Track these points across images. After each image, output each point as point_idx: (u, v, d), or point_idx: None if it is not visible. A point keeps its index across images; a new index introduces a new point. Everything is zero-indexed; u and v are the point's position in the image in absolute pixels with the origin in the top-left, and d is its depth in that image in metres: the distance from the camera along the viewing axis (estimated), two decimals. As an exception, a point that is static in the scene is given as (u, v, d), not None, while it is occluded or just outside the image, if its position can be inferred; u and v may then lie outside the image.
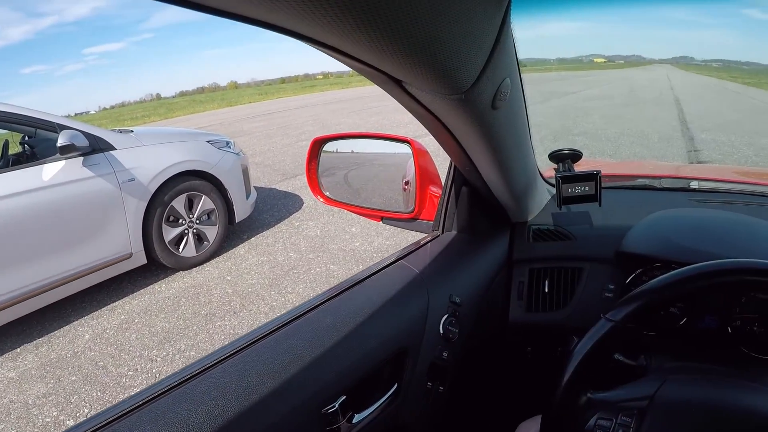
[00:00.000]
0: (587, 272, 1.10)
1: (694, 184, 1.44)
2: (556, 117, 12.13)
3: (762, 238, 1.05)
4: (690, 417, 0.66)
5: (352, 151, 1.42)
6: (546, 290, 1.11)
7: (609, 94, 20.48)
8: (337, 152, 1.39)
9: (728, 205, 1.29)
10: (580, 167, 1.09)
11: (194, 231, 4.18)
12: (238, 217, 4.47)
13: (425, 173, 1.13)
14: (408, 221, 1.16)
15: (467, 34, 0.49)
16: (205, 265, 4.20)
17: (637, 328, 1.03)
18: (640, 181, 1.49)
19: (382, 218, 1.20)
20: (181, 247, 4.08)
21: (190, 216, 4.13)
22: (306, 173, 1.30)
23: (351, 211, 1.27)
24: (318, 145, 1.29)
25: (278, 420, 0.67)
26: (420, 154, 1.13)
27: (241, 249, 4.51)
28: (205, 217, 4.24)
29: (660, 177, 1.52)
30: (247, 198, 4.60)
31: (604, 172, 1.59)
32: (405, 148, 1.15)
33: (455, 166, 1.03)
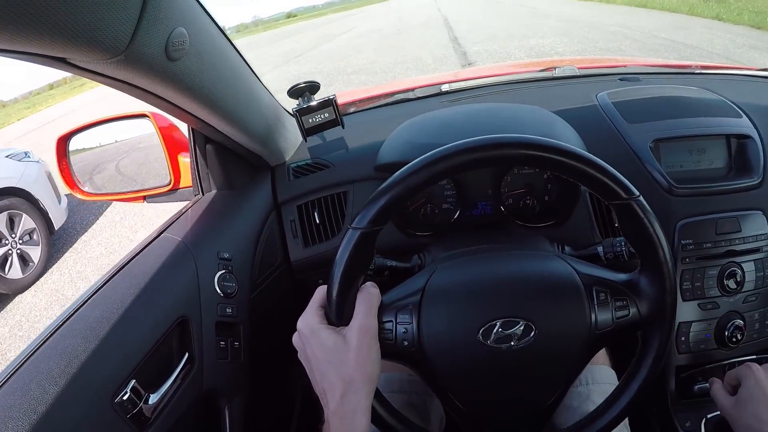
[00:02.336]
0: (352, 193, 1.13)
1: (445, 87, 1.50)
2: (328, 61, 12.11)
3: (504, 118, 1.12)
4: (461, 295, 0.69)
5: (116, 141, 1.34)
6: (317, 221, 1.13)
7: (379, 26, 21.13)
8: (101, 146, 1.31)
9: (478, 99, 1.35)
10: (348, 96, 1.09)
11: (18, 251, 4.00)
12: (57, 223, 4.38)
13: (171, 142, 1.11)
14: (169, 193, 1.14)
15: None
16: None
17: (409, 233, 1.08)
18: (396, 97, 1.52)
19: (145, 198, 1.17)
20: (6, 268, 3.87)
21: (12, 236, 3.97)
22: (59, 173, 1.21)
23: (114, 200, 1.22)
24: (63, 142, 1.21)
25: (73, 424, 0.64)
26: (162, 125, 1.11)
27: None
28: (27, 237, 4.11)
29: (415, 88, 1.57)
30: (60, 203, 4.47)
31: (365, 95, 1.68)
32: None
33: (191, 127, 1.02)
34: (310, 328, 0.65)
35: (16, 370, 0.67)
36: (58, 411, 0.63)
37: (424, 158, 0.63)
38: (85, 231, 5.06)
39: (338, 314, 0.65)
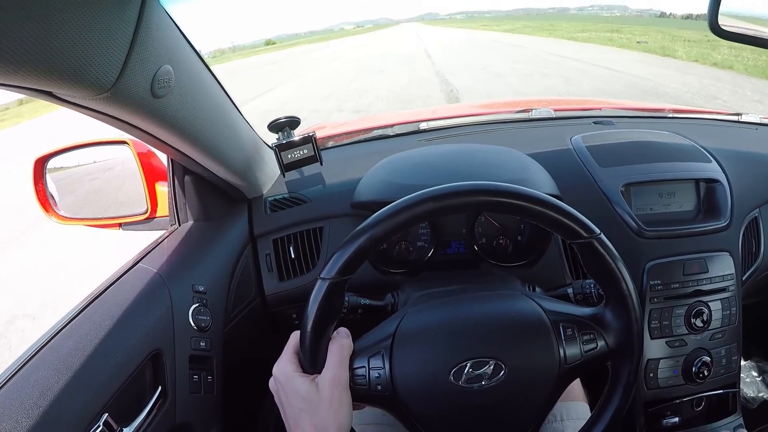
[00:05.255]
0: (328, 229, 1.13)
1: (423, 125, 1.51)
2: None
3: (479, 162, 1.14)
4: (431, 338, 0.70)
5: (95, 161, 1.33)
6: (293, 256, 1.14)
7: (326, 91, 11.82)
8: (79, 165, 1.29)
9: (455, 138, 1.37)
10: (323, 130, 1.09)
11: None
12: None
13: (150, 170, 1.11)
14: (145, 222, 1.14)
15: (86, 34, 0.50)
16: None
17: (383, 270, 1.09)
18: (375, 133, 1.53)
19: (121, 225, 1.16)
20: None
21: None
22: (36, 195, 1.19)
23: (89, 226, 1.20)
24: (41, 164, 1.20)
25: None
26: (141, 153, 1.11)
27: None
28: None
29: (394, 125, 1.57)
30: None
31: (344, 130, 1.70)
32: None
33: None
34: (284, 375, 0.67)
35: None
36: None
37: (389, 209, 0.65)
38: None
39: (312, 363, 0.67)
